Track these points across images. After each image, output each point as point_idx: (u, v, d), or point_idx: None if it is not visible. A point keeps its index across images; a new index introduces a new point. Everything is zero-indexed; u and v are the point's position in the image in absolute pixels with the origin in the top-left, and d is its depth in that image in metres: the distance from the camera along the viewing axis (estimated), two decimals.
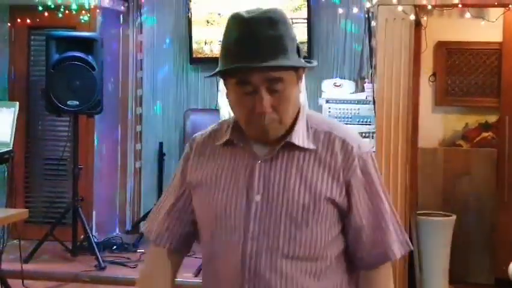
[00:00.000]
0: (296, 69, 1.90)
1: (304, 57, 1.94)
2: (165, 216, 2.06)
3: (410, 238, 5.35)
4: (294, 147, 1.91)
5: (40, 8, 6.20)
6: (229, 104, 1.92)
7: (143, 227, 2.21)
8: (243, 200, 1.90)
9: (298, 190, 1.88)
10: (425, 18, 5.66)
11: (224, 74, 1.90)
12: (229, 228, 1.90)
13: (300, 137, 1.92)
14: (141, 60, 6.99)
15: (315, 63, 2.00)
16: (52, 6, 6.19)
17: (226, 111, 4.70)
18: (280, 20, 1.87)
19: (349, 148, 1.93)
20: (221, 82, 4.83)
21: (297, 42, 1.90)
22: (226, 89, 1.92)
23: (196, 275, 5.20)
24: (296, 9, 6.42)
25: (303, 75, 1.96)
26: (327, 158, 1.92)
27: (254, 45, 1.81)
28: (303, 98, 4.93)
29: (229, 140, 1.97)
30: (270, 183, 1.89)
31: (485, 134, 6.25)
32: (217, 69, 1.89)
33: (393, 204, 5.24)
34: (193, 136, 2.10)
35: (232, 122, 1.98)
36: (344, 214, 1.94)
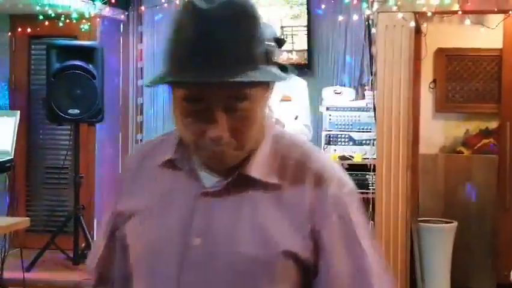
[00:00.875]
0: (266, 82, 1.44)
1: (277, 64, 1.49)
2: (101, 258, 1.66)
3: (412, 245, 5.35)
4: (250, 180, 1.44)
5: (41, 17, 6.20)
6: (173, 120, 1.49)
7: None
8: (177, 241, 1.44)
9: (248, 238, 1.40)
10: (425, 25, 5.68)
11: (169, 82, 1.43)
12: (157, 277, 1.47)
13: (259, 167, 1.44)
14: (141, 68, 7.00)
15: (287, 75, 1.47)
16: (53, 15, 6.19)
17: None
18: (249, 15, 1.39)
19: (324, 186, 1.44)
20: None
21: (268, 43, 1.44)
22: (172, 99, 1.46)
23: None
24: (296, 16, 6.42)
25: (273, 87, 1.48)
26: (293, 198, 1.43)
27: (214, 51, 1.34)
28: (305, 114, 4.90)
29: (171, 161, 1.51)
30: (214, 225, 1.43)
31: (485, 141, 6.24)
32: (161, 78, 1.42)
33: (394, 212, 5.20)
34: (135, 148, 1.62)
35: (179, 135, 1.51)
36: (312, 276, 1.44)
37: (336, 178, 1.47)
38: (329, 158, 1.61)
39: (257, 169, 1.44)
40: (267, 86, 1.44)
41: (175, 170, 1.51)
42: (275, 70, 1.44)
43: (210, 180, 1.47)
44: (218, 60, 1.34)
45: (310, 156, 1.48)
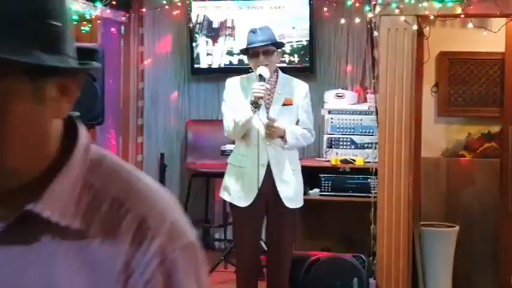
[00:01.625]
0: (38, 69, 0.96)
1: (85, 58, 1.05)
2: None
3: (413, 249, 5.33)
4: (43, 222, 1.00)
5: None
6: None
7: None
8: None
9: None
10: (427, 28, 5.65)
11: None
12: None
13: (57, 204, 1.01)
14: (142, 71, 6.98)
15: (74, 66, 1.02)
16: None
17: (230, 122, 4.64)
18: None
19: (148, 237, 1.00)
20: (225, 91, 4.82)
21: (53, 23, 0.98)
22: None
23: None
24: (298, 19, 6.41)
25: (76, 83, 1.03)
26: (102, 251, 1.01)
27: None
28: (307, 118, 4.85)
29: None
30: None
31: (488, 144, 6.22)
32: None
33: (396, 216, 5.17)
34: None
35: None
36: None
37: (168, 226, 1.02)
38: (164, 193, 1.08)
39: (53, 206, 1.01)
40: (33, 78, 0.98)
41: None
42: (66, 60, 1.00)
43: None
44: None
45: (133, 193, 1.05)
